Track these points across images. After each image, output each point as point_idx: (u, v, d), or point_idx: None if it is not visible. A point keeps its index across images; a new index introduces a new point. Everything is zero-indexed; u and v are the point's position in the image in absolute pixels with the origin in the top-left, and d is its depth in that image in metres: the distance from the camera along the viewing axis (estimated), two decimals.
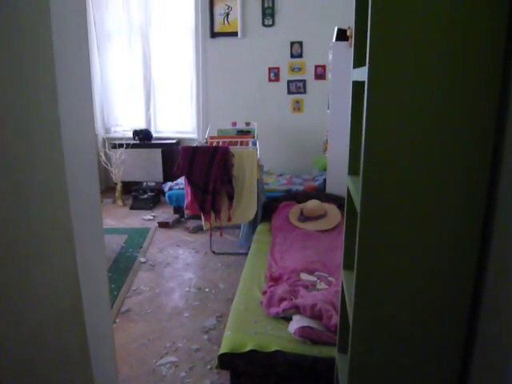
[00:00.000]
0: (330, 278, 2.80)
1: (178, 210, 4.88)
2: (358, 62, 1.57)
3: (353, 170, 1.71)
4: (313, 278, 2.78)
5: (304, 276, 2.80)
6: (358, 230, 1.31)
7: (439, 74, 1.14)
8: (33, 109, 1.34)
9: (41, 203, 1.41)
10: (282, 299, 2.46)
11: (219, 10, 5.45)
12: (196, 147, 3.61)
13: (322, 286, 2.68)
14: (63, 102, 1.38)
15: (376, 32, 1.15)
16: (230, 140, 4.36)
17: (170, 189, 4.93)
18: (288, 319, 2.36)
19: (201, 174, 3.51)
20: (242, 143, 4.25)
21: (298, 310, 2.33)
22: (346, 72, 3.83)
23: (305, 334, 2.17)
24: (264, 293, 2.63)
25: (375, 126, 1.20)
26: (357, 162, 1.69)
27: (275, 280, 2.79)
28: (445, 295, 1.28)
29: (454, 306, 1.28)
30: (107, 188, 6.06)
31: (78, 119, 1.58)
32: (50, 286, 1.45)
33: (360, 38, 1.60)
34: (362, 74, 1.37)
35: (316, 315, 2.26)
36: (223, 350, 2.20)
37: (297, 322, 2.25)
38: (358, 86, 1.59)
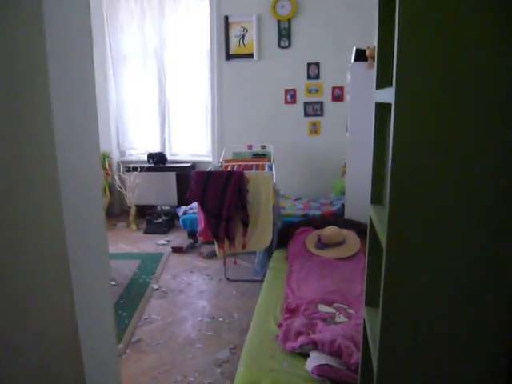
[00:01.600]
0: (350, 310, 2.64)
1: (193, 234, 4.77)
2: (382, 83, 1.46)
3: (376, 198, 1.58)
4: (331, 310, 2.63)
5: (322, 308, 2.65)
6: (383, 267, 1.18)
7: (472, 94, 1.02)
8: (27, 132, 1.25)
9: (34, 232, 1.31)
10: (298, 333, 2.32)
11: (235, 31, 5.42)
12: (209, 172, 3.51)
13: (341, 318, 2.53)
14: (60, 125, 1.29)
15: (403, 50, 1.04)
16: (246, 164, 4.27)
17: (185, 213, 4.83)
18: (305, 355, 2.21)
19: (214, 200, 3.40)
20: (257, 167, 4.15)
21: (315, 345, 2.18)
22: (365, 93, 3.74)
23: (323, 372, 2.02)
24: (280, 325, 2.49)
25: (403, 152, 1.08)
26: (380, 190, 1.57)
27: (292, 312, 2.64)
28: (480, 338, 1.14)
29: (491, 349, 1.14)
30: (121, 212, 5.99)
31: (79, 143, 1.49)
32: (44, 327, 1.33)
33: (384, 57, 1.49)
34: (386, 96, 1.25)
35: (335, 352, 2.11)
36: None
37: (314, 360, 2.10)
38: (381, 108, 1.48)
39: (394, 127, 1.08)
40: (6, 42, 1.18)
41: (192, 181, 3.48)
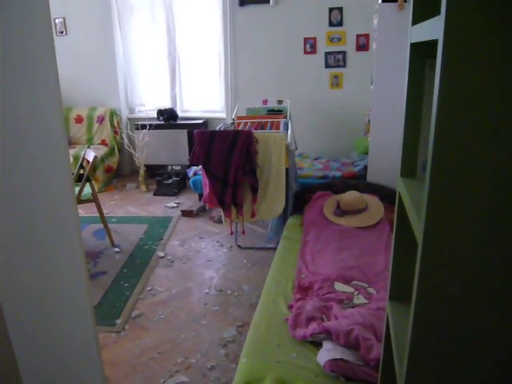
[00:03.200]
0: (370, 290, 2.33)
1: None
2: (421, 15, 1.08)
3: (407, 170, 1.22)
4: (349, 289, 2.32)
5: (339, 286, 2.35)
6: (419, 260, 0.85)
7: None
8: None
9: None
10: (310, 319, 2.03)
11: None
12: (213, 132, 3.13)
13: (360, 300, 2.22)
14: None
15: None
16: (260, 120, 3.89)
17: (195, 174, 4.52)
18: (318, 344, 1.93)
19: (219, 163, 3.05)
20: (272, 124, 3.77)
21: (329, 335, 1.89)
22: (394, 39, 3.26)
23: (337, 368, 1.73)
24: (290, 307, 2.20)
25: (453, 110, 0.73)
26: (413, 159, 1.21)
27: (304, 290, 2.35)
28: None
29: None
30: (131, 172, 5.73)
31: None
32: None
33: None
34: (429, 30, 0.88)
35: (352, 344, 1.81)
36: (237, 380, 1.80)
37: (328, 352, 1.81)
38: (419, 51, 1.10)
39: (441, 74, 0.71)
40: None
41: (194, 141, 3.12)
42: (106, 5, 5.30)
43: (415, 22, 1.11)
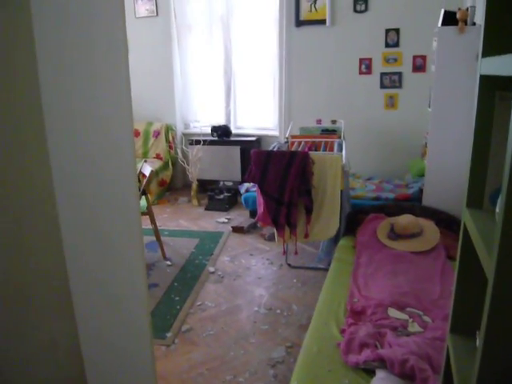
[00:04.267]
0: (425, 318, 2.27)
1: (254, 213, 4.50)
2: (491, 48, 1.06)
3: (474, 201, 1.20)
4: (404, 316, 2.27)
5: (393, 312, 2.30)
6: (489, 295, 0.83)
7: None
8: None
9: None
10: (363, 345, 1.99)
11: None
12: (270, 152, 3.18)
13: (414, 328, 2.17)
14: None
15: None
16: (313, 140, 3.90)
17: (247, 190, 4.57)
18: (371, 371, 1.89)
19: (275, 183, 3.08)
20: (326, 144, 3.77)
21: (383, 363, 1.85)
22: (454, 62, 3.22)
23: None
24: (343, 331, 2.17)
25: None
26: (480, 189, 1.19)
27: (357, 315, 2.31)
28: None
29: None
30: (183, 186, 5.86)
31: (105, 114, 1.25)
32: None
33: (495, 13, 1.09)
34: (500, 66, 0.87)
35: (407, 374, 1.77)
36: None
37: (381, 381, 1.78)
38: (488, 83, 1.08)
39: None
40: None
41: (251, 160, 3.17)
42: (166, 24, 5.51)
43: (486, 53, 1.10)
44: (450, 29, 3.19)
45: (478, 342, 0.89)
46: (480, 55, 1.13)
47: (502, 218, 0.77)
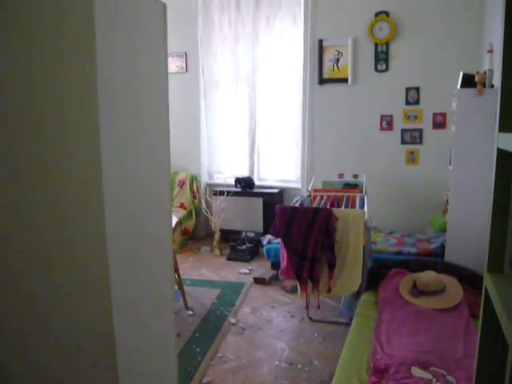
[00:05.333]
0: (449, 378, 2.25)
1: (276, 265, 4.55)
2: (507, 124, 1.15)
3: (494, 265, 1.25)
4: (427, 376, 2.26)
5: (416, 371, 2.29)
6: (510, 363, 0.88)
7: None
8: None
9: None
10: None
11: (329, 55, 5.20)
12: (294, 208, 3.27)
13: None
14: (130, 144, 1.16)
15: None
16: (335, 194, 3.99)
17: (269, 242, 4.64)
18: None
19: (299, 238, 3.16)
20: (348, 199, 3.85)
21: None
22: (473, 123, 3.32)
23: None
24: None
25: None
26: (501, 253, 1.24)
27: (380, 372, 2.31)
28: None
29: None
30: (206, 235, 5.95)
31: (149, 161, 1.37)
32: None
33: (508, 91, 1.19)
34: None
35: None
36: None
37: None
38: (505, 157, 1.16)
39: None
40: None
41: (276, 216, 3.26)
42: (195, 80, 5.78)
43: (502, 128, 1.18)
44: (469, 91, 3.31)
45: None
46: (497, 129, 1.22)
47: None
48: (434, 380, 2.23)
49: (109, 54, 1.22)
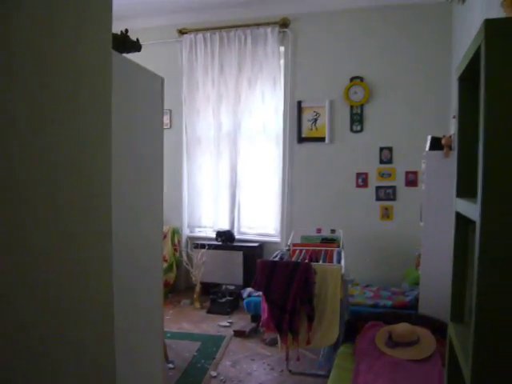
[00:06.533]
0: None
1: (256, 318, 4.61)
2: (463, 191, 1.35)
3: (456, 316, 1.41)
4: None
5: None
6: None
7: None
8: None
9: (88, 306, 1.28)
10: None
11: (307, 116, 5.53)
12: (275, 262, 3.42)
13: None
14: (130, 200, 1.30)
15: (493, 159, 0.94)
16: (314, 248, 4.14)
17: (249, 295, 4.72)
18: None
19: (279, 291, 3.28)
20: (326, 252, 4.01)
21: None
22: (441, 183, 3.57)
23: None
24: None
25: (492, 276, 0.95)
26: (461, 306, 1.40)
27: None
28: None
29: None
30: (186, 288, 5.98)
31: (144, 218, 1.50)
32: None
33: (465, 160, 1.39)
34: (469, 210, 1.14)
35: None
36: None
37: None
38: (462, 220, 1.35)
39: (479, 249, 0.96)
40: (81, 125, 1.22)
41: (257, 269, 3.40)
42: (178, 136, 6.00)
43: (459, 194, 1.38)
44: (437, 153, 3.59)
45: None
46: (454, 195, 1.41)
47: (473, 335, 0.99)
48: None
49: (119, 118, 1.39)
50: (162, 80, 1.74)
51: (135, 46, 1.39)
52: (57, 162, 1.15)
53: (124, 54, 1.39)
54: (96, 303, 1.36)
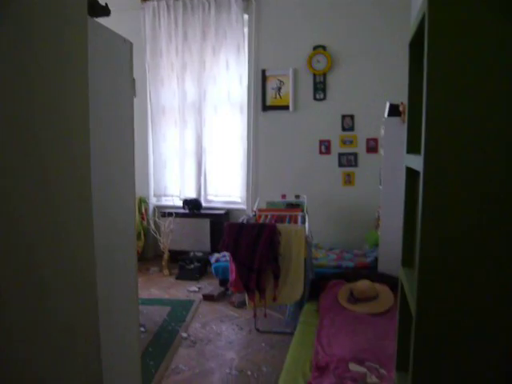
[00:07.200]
0: (382, 371, 2.56)
1: (224, 282, 4.76)
2: (412, 148, 1.48)
3: (407, 261, 1.56)
4: (363, 370, 2.55)
5: (353, 366, 2.58)
6: (413, 335, 1.16)
7: (505, 163, 1.02)
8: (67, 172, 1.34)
9: (67, 273, 1.36)
10: None
11: (271, 84, 5.59)
12: (242, 224, 3.55)
13: (372, 380, 2.45)
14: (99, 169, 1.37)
15: (433, 116, 1.06)
16: (279, 213, 4.29)
17: (217, 260, 4.85)
18: None
19: (246, 252, 3.42)
20: (290, 217, 4.16)
21: None
22: (398, 148, 3.70)
23: None
24: None
25: (432, 222, 1.08)
26: (410, 252, 1.55)
27: (321, 369, 2.58)
28: None
29: None
30: (155, 256, 6.06)
31: (116, 187, 1.58)
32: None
33: (414, 121, 1.52)
34: (416, 163, 1.27)
35: None
36: None
37: None
38: (411, 173, 1.49)
39: (422, 197, 1.09)
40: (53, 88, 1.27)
41: (224, 232, 3.52)
42: (143, 105, 5.96)
43: (408, 150, 1.51)
44: (395, 119, 3.75)
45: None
46: (405, 152, 1.54)
47: (417, 273, 1.12)
48: (369, 373, 2.52)
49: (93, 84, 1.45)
50: (131, 45, 1.78)
51: (105, 11, 1.43)
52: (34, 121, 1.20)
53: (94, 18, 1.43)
54: (78, 267, 1.43)
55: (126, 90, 1.76)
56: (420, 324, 1.13)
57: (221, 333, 3.91)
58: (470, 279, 1.07)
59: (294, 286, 3.45)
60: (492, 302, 1.07)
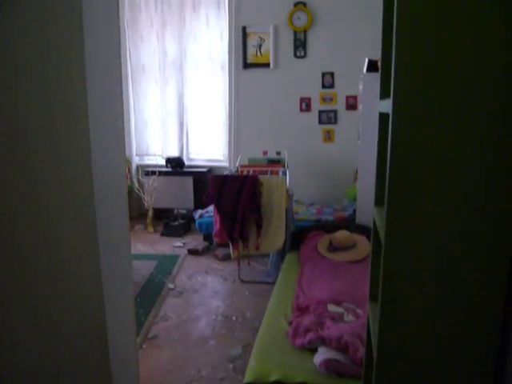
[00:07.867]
0: (358, 311, 2.75)
1: (208, 237, 4.92)
2: (384, 94, 1.58)
3: (379, 201, 1.70)
4: (340, 310, 2.74)
5: (331, 307, 2.76)
6: (382, 260, 1.30)
7: (465, 106, 1.14)
8: (64, 136, 1.41)
9: (69, 228, 1.46)
10: (308, 330, 2.43)
11: (252, 41, 5.58)
12: (225, 176, 3.66)
13: (349, 318, 2.64)
14: (93, 133, 1.45)
15: (400, 62, 1.16)
16: (261, 169, 4.40)
17: (201, 216, 4.98)
18: (314, 350, 2.32)
19: (230, 203, 3.55)
20: (272, 172, 4.28)
21: (323, 341, 2.30)
22: (376, 103, 3.85)
23: (330, 366, 2.13)
24: (290, 323, 2.61)
25: (400, 158, 1.21)
26: (383, 192, 1.68)
27: (302, 310, 2.76)
28: (474, 328, 1.24)
29: (483, 338, 1.24)
30: (139, 214, 6.15)
31: (108, 147, 1.65)
32: (75, 310, 1.48)
33: (386, 69, 1.62)
34: (387, 106, 1.38)
35: (342, 348, 2.22)
36: (247, 379, 2.19)
37: (322, 354, 2.22)
38: (384, 118, 1.60)
39: (391, 136, 1.20)
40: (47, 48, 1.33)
41: (209, 184, 3.63)
42: (122, 63, 5.91)
43: (381, 97, 1.62)
44: (373, 75, 3.84)
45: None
46: (378, 99, 1.65)
47: (386, 204, 1.25)
48: (346, 313, 2.71)
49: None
50: None
51: None
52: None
53: None
54: (80, 219, 1.52)
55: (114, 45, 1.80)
56: (388, 248, 1.26)
57: (206, 284, 4.08)
58: (435, 210, 1.20)
59: (275, 235, 3.61)
60: (454, 212, 1.20)
